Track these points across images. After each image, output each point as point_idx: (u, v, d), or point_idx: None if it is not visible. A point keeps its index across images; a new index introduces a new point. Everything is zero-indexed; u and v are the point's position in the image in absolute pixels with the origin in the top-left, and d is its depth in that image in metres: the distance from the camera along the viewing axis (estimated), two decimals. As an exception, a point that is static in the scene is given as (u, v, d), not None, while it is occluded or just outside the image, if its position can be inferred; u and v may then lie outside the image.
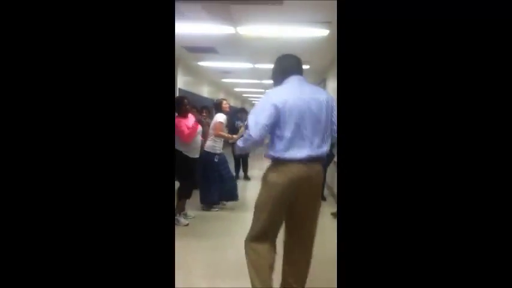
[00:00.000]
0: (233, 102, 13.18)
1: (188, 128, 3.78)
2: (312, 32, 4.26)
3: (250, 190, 5.83)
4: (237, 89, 13.33)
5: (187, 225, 3.96)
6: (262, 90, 12.58)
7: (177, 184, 3.91)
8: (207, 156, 4.46)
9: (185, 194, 4.00)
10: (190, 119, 3.96)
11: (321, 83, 7.89)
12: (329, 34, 4.24)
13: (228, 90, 13.15)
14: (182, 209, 4.07)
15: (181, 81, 7.38)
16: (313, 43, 4.83)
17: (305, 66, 6.76)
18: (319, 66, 6.94)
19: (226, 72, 8.56)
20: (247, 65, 7.14)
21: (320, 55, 5.80)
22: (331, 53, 5.52)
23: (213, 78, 9.72)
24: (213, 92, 10.87)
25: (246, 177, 6.93)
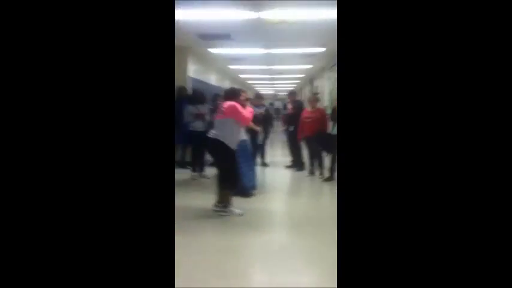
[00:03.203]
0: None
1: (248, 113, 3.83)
2: (328, 13, 4.24)
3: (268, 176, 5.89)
4: (242, 76, 13.26)
5: (242, 215, 3.79)
6: (269, 76, 12.46)
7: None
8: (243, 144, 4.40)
9: (230, 186, 3.84)
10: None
11: (334, 66, 7.86)
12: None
13: (234, 77, 13.08)
14: (229, 200, 3.88)
15: (191, 70, 7.36)
16: (331, 24, 4.80)
17: (321, 49, 6.72)
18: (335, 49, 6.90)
19: (236, 59, 8.51)
20: (260, 51, 7.10)
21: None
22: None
23: (220, 65, 9.67)
24: (220, 80, 10.80)
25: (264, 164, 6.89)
